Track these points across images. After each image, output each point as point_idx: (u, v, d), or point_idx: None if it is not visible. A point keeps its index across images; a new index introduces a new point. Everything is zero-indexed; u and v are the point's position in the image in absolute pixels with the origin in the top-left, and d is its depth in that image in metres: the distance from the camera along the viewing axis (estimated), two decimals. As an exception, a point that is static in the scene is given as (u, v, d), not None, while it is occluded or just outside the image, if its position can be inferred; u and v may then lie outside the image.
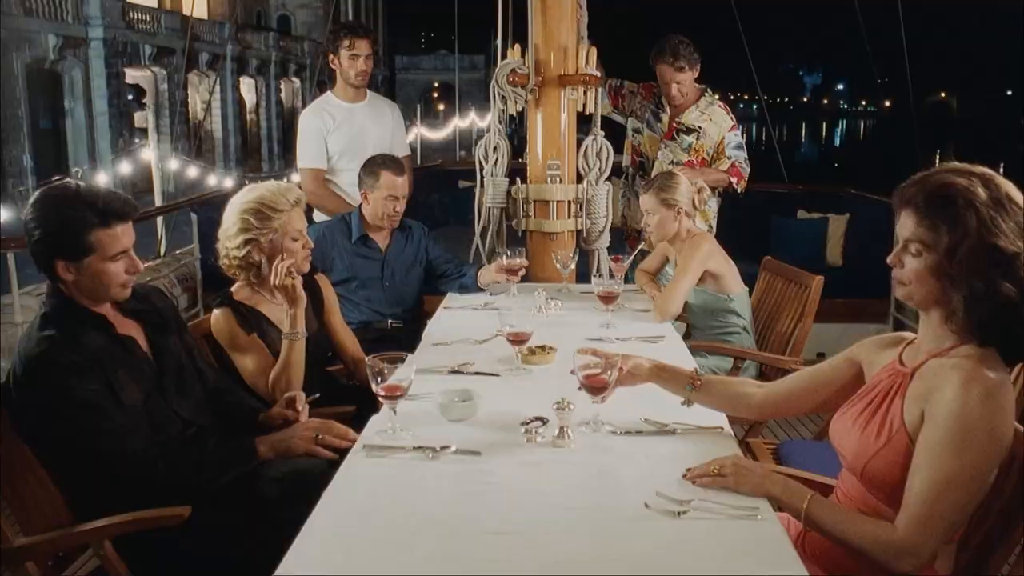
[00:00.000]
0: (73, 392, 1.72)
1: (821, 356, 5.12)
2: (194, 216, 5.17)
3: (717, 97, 3.93)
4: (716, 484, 1.52)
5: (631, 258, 3.03)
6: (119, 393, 1.80)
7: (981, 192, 1.37)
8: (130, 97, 25.00)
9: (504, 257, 2.88)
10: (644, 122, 4.00)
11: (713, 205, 3.87)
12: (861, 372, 1.66)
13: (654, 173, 3.70)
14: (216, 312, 2.34)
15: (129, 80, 25.00)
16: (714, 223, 3.89)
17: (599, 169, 3.51)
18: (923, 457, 1.40)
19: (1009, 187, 1.41)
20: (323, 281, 2.65)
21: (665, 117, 3.91)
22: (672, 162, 3.82)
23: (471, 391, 1.97)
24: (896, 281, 1.50)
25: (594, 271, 3.48)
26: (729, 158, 3.85)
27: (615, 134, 3.91)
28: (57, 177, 1.90)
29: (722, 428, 1.84)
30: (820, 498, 1.49)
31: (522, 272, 3.02)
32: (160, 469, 1.78)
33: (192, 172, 13.85)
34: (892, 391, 1.51)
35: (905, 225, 1.45)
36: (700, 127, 3.86)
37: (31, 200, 1.80)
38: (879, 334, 1.70)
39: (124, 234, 1.82)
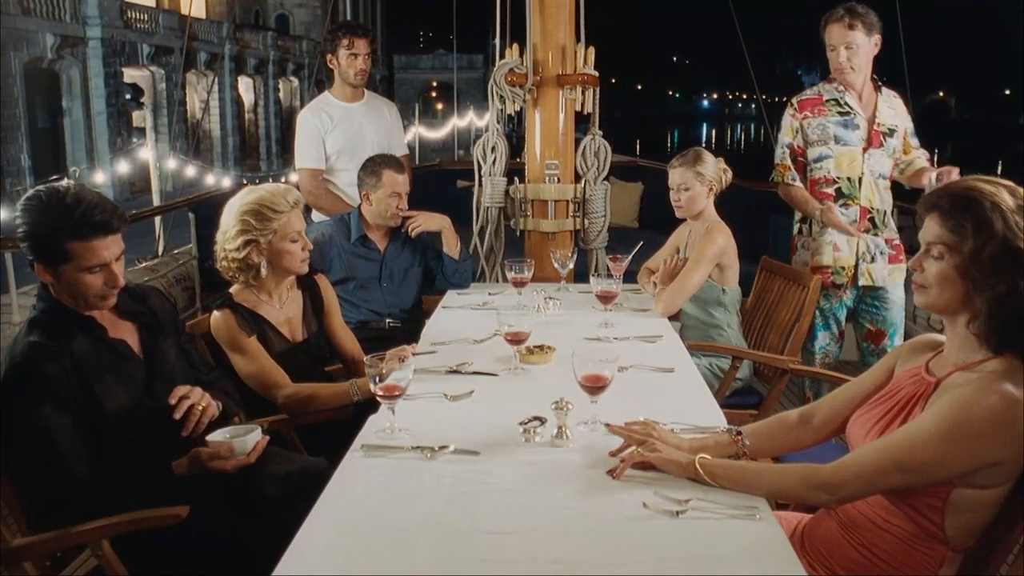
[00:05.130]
0: (34, 414, 1.69)
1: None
2: (192, 215, 5.17)
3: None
4: (646, 459, 1.58)
5: (630, 257, 3.03)
6: (103, 400, 1.78)
7: (1007, 197, 1.40)
8: (128, 96, 25.01)
9: (512, 272, 2.88)
10: (830, 139, 3.20)
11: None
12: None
13: (864, 192, 3.18)
14: (216, 313, 2.34)
15: (127, 79, 25.00)
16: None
17: (597, 169, 3.52)
18: (905, 428, 1.43)
19: None
20: (323, 281, 2.66)
21: (862, 122, 3.19)
22: (880, 176, 3.20)
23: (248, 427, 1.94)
24: (916, 287, 1.51)
25: (592, 270, 3.48)
26: (917, 148, 3.31)
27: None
28: (55, 177, 1.88)
29: (720, 428, 1.84)
30: (748, 467, 1.57)
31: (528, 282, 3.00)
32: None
33: (190, 171, 13.85)
34: (914, 399, 1.51)
35: (929, 229, 1.47)
36: (896, 125, 3.23)
37: (23, 197, 1.79)
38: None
39: (104, 247, 1.76)
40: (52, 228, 1.73)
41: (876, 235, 3.21)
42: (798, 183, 3.29)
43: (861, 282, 3.23)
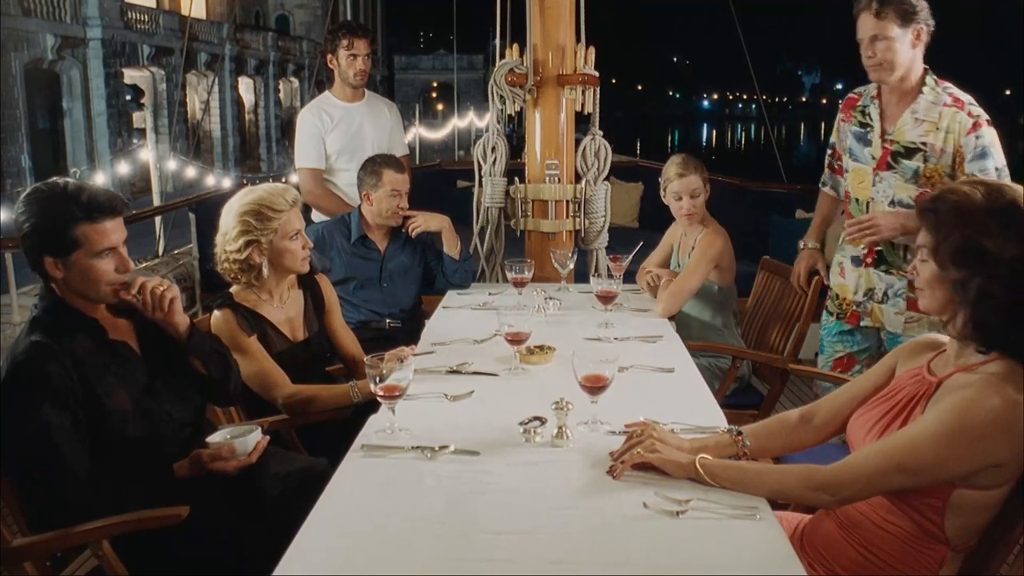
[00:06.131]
0: (35, 414, 1.69)
1: (819, 356, 5.12)
2: (192, 216, 5.17)
3: (945, 88, 2.58)
4: (646, 460, 1.57)
5: (630, 257, 3.03)
6: (104, 400, 1.78)
7: (979, 196, 1.42)
8: (128, 97, 25.03)
9: (512, 272, 2.88)
10: (847, 151, 2.78)
11: None
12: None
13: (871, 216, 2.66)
14: (216, 313, 2.34)
15: (127, 80, 25.02)
16: None
17: (597, 169, 3.52)
18: (906, 430, 1.43)
19: (1018, 195, 1.43)
20: (323, 281, 2.66)
21: (874, 136, 2.66)
22: (893, 201, 2.61)
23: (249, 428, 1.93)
24: (916, 290, 1.55)
25: (592, 271, 3.48)
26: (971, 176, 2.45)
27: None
28: (55, 177, 1.89)
29: (720, 428, 1.84)
30: (748, 467, 1.58)
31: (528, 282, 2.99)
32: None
33: (190, 172, 13.87)
34: (915, 399, 1.51)
35: (920, 234, 1.51)
36: (924, 144, 2.55)
37: (21, 196, 1.80)
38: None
39: (112, 230, 1.79)
40: (62, 214, 1.74)
41: (889, 272, 2.67)
42: (827, 188, 2.99)
43: (864, 323, 2.76)
